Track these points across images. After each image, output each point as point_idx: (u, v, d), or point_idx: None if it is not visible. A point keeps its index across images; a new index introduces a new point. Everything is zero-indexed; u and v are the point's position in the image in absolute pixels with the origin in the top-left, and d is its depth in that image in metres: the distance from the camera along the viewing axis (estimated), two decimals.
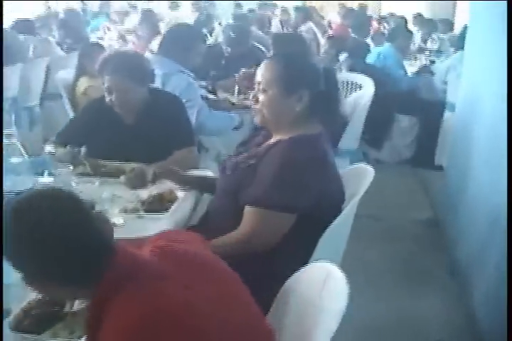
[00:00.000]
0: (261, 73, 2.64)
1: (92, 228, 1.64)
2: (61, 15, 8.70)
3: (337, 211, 2.60)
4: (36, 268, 1.64)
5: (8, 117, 6.34)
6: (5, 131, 2.65)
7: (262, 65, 2.67)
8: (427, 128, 6.74)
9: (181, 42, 4.56)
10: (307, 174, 2.48)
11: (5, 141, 2.63)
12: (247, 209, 2.53)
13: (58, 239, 1.59)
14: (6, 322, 1.94)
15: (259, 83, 2.64)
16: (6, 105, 6.31)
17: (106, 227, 1.70)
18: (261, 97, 2.63)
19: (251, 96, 2.73)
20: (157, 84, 4.14)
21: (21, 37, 7.58)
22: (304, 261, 2.31)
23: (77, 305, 1.99)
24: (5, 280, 2.12)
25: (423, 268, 4.36)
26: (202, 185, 3.13)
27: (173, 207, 2.88)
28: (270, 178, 2.48)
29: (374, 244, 4.64)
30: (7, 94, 6.26)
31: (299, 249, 2.51)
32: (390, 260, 4.49)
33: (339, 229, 2.61)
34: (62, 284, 1.67)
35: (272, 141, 2.69)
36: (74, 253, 1.61)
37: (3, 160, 2.58)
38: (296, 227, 2.52)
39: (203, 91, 5.06)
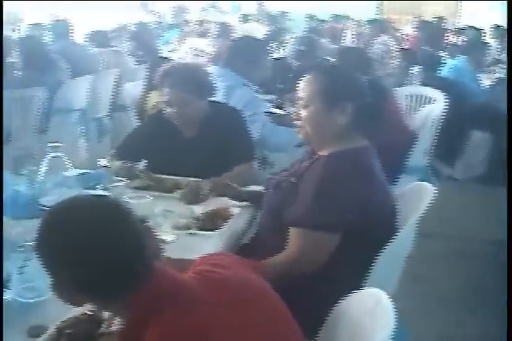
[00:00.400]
0: (302, 88, 2.56)
1: (134, 241, 1.58)
2: (133, 28, 8.77)
3: (389, 228, 2.49)
4: (66, 276, 1.59)
5: (77, 129, 6.40)
6: (51, 144, 2.59)
7: (303, 80, 2.59)
8: (501, 144, 6.51)
9: (246, 55, 4.52)
10: (348, 190, 2.38)
11: (52, 153, 2.56)
12: (291, 229, 2.45)
13: (93, 248, 1.54)
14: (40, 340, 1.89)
15: (301, 99, 2.55)
16: (74, 117, 6.37)
17: (150, 243, 1.63)
18: (303, 113, 2.55)
19: (293, 113, 2.65)
20: (220, 96, 4.09)
21: (93, 49, 7.70)
22: (358, 282, 2.26)
23: (116, 326, 1.92)
24: (41, 296, 2.08)
25: (492, 290, 4.19)
26: (259, 202, 3.04)
27: (225, 226, 2.80)
28: (310, 197, 2.40)
29: (442, 264, 4.50)
30: (76, 105, 6.32)
31: (350, 269, 2.41)
32: (458, 280, 4.34)
33: (397, 248, 2.48)
34: (90, 295, 1.63)
35: (314, 157, 2.60)
36: (108, 265, 1.55)
37: (52, 174, 2.54)
38: (344, 246, 2.41)
39: (269, 106, 4.98)
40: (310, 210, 2.39)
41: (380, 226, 2.46)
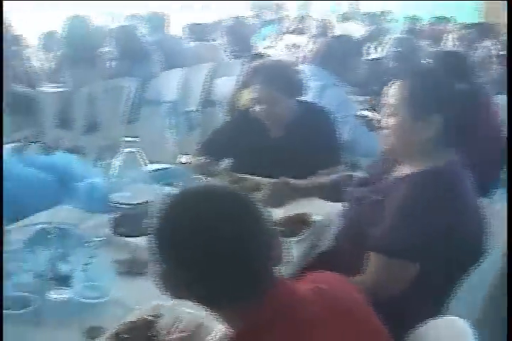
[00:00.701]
0: (392, 94, 2.37)
1: (264, 241, 1.46)
2: (230, 22, 8.70)
3: (476, 251, 2.26)
4: (182, 267, 1.45)
5: (165, 121, 6.37)
6: (127, 138, 2.49)
7: (394, 85, 2.39)
8: None
9: (341, 54, 4.39)
10: (436, 217, 2.16)
11: (127, 149, 2.46)
12: (371, 253, 2.25)
13: (220, 242, 1.41)
14: None
15: (389, 105, 2.37)
16: (164, 109, 6.35)
17: (277, 246, 1.51)
18: (390, 121, 2.35)
19: (378, 120, 2.45)
20: (311, 96, 3.96)
21: (189, 42, 7.67)
22: (439, 308, 2.09)
23: (175, 333, 1.81)
24: (103, 297, 1.98)
25: None
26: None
27: (305, 232, 2.64)
28: (396, 221, 2.19)
29: None
30: (166, 98, 6.30)
31: (430, 295, 2.22)
32: None
33: (484, 273, 2.28)
34: (200, 295, 1.49)
35: (401, 173, 2.38)
36: (232, 264, 1.42)
37: (127, 170, 2.45)
38: (425, 271, 2.21)
39: (360, 108, 4.82)
40: (394, 236, 2.19)
41: (466, 250, 2.24)
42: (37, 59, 6.62)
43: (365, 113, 4.81)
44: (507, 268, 2.21)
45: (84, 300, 1.96)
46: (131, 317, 1.88)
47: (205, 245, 1.41)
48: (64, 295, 1.97)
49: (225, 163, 3.43)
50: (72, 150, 4.75)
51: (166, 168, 3.02)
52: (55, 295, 1.97)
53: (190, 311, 1.83)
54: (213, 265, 1.42)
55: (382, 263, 2.22)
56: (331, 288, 1.61)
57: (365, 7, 13.72)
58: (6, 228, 2.41)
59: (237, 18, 8.95)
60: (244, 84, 4.90)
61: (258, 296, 1.44)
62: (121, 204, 2.43)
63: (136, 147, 2.45)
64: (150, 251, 1.51)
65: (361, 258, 2.27)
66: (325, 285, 1.60)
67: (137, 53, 6.11)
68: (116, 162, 2.46)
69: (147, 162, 2.50)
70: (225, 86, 5.53)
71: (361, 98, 5.14)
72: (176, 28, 7.99)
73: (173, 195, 1.54)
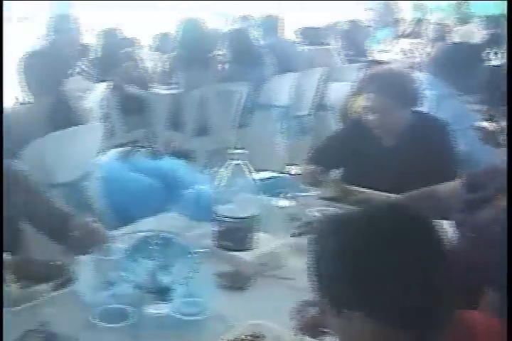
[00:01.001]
0: None
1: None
2: (344, 26, 8.57)
3: None
4: (355, 290, 1.33)
5: (277, 126, 6.32)
6: (235, 151, 2.40)
7: None
8: None
9: (459, 62, 4.21)
10: None
11: (234, 161, 2.38)
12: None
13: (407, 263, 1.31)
14: None
15: None
16: (275, 113, 6.30)
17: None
18: None
19: (496, 132, 2.25)
20: (426, 107, 3.81)
21: (303, 46, 7.60)
22: None
23: None
24: (201, 314, 1.92)
25: None
26: None
27: None
28: None
29: None
30: (278, 102, 6.25)
31: None
32: None
33: None
34: (389, 323, 1.33)
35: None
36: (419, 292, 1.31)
37: (234, 181, 2.37)
38: None
39: (478, 118, 4.62)
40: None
41: None
42: (150, 60, 6.68)
43: (483, 124, 4.61)
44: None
45: (182, 317, 1.90)
46: (229, 336, 1.81)
47: (395, 268, 1.32)
48: (162, 310, 1.91)
49: (335, 173, 3.33)
50: (181, 155, 4.77)
51: (274, 177, 2.94)
52: (153, 310, 1.92)
53: (292, 333, 1.75)
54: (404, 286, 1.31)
55: None
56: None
57: (482, 9, 13.26)
58: (109, 234, 2.38)
59: (351, 21, 8.80)
60: (358, 91, 4.80)
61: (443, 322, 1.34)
62: (226, 217, 2.37)
63: (243, 159, 2.37)
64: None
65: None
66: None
67: (250, 57, 6.07)
68: (224, 172, 2.39)
69: (254, 172, 2.42)
70: (337, 91, 5.43)
71: (477, 107, 4.93)
72: (289, 30, 7.91)
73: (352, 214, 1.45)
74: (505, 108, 5.08)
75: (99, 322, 1.88)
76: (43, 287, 2.10)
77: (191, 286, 1.96)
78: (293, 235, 2.53)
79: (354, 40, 8.19)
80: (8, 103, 3.79)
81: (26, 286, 2.09)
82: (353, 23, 8.71)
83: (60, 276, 2.15)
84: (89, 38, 7.10)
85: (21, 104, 3.88)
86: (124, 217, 2.77)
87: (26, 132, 3.46)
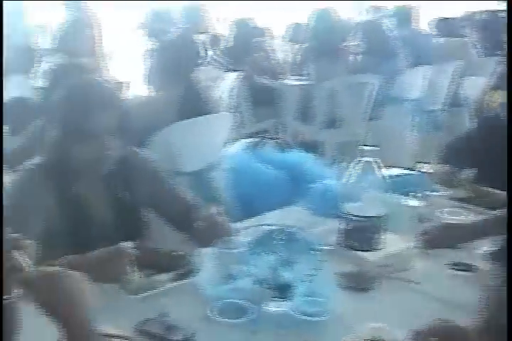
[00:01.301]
0: None
1: None
2: (481, 16, 8.26)
3: None
4: None
5: (408, 119, 6.18)
6: (367, 147, 2.30)
7: None
8: None
9: None
10: None
11: (364, 158, 2.29)
12: None
13: None
14: None
15: None
16: (407, 107, 6.15)
17: None
18: None
19: None
20: None
21: (438, 38, 7.39)
22: None
23: None
24: (322, 315, 1.85)
25: None
26: None
27: None
28: None
29: None
30: (410, 95, 6.10)
31: None
32: None
33: None
34: None
35: None
36: None
37: (363, 178, 2.28)
38: None
39: None
40: None
41: None
42: (281, 51, 6.65)
43: None
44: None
45: (303, 316, 1.85)
46: (348, 339, 1.74)
47: None
48: (282, 308, 1.86)
49: (467, 173, 3.18)
50: (309, 147, 4.71)
51: (404, 175, 2.82)
52: (273, 307, 1.87)
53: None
54: None
55: None
56: None
57: None
58: (233, 227, 2.35)
59: (489, 11, 8.46)
60: (495, 86, 4.59)
61: None
62: (353, 215, 2.29)
63: (374, 156, 2.28)
64: None
65: None
66: None
67: (383, 48, 5.94)
68: (353, 169, 2.31)
69: (384, 169, 2.32)
70: (473, 86, 5.23)
71: None
72: (422, 22, 7.70)
73: None
74: None
75: (217, 317, 1.85)
76: (163, 277, 2.09)
77: (314, 285, 1.90)
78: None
79: (492, 31, 7.89)
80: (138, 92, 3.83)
81: (148, 275, 2.09)
82: (491, 13, 8.36)
83: (181, 267, 2.13)
84: (222, 27, 7.14)
85: (152, 93, 3.92)
86: (249, 209, 2.73)
87: (156, 121, 3.48)
